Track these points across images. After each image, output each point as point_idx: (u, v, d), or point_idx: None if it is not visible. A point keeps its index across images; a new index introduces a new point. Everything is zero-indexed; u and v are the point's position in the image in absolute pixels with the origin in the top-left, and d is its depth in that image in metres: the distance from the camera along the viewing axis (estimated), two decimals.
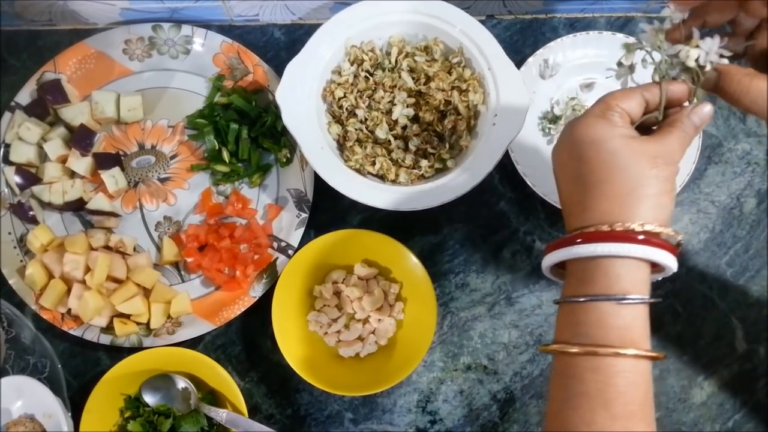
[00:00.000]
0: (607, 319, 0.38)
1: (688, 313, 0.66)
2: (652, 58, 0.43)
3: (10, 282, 0.64)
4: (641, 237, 0.38)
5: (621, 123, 0.41)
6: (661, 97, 0.42)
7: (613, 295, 0.38)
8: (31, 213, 0.66)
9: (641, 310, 0.38)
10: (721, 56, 0.41)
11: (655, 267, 0.40)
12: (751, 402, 0.64)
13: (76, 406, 0.61)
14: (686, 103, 0.43)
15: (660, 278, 0.42)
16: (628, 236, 0.38)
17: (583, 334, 0.38)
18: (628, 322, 0.38)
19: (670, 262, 0.39)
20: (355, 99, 0.65)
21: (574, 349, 0.38)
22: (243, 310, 0.64)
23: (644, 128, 0.43)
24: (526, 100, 0.63)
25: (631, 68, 0.44)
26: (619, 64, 0.44)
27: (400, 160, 0.64)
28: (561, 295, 0.42)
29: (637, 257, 0.38)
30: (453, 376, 0.65)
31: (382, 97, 0.65)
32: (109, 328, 0.63)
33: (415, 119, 0.65)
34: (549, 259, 0.41)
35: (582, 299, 0.39)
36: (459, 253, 0.68)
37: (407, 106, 0.65)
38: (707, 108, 0.42)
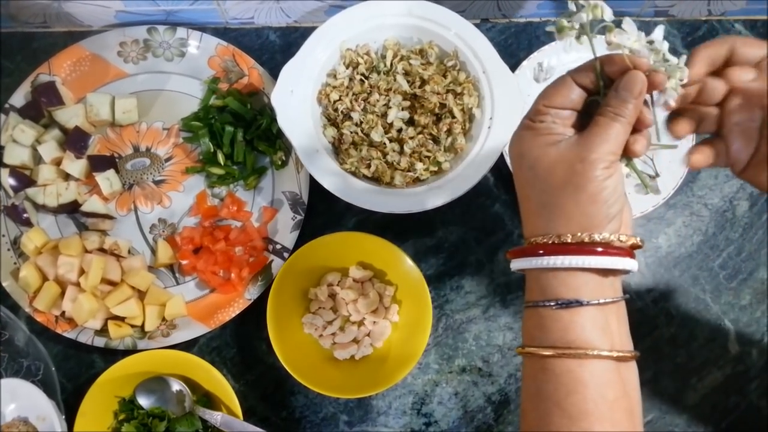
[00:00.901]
0: (546, 323, 0.38)
1: (682, 315, 0.67)
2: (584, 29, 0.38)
3: (4, 284, 0.64)
4: (600, 249, 0.37)
5: (549, 129, 0.39)
6: (596, 67, 0.38)
7: (547, 300, 0.38)
8: (25, 215, 0.66)
9: (585, 312, 0.38)
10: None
11: (611, 271, 0.39)
12: (744, 404, 0.65)
13: (70, 409, 0.61)
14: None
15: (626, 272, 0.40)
16: (548, 249, 0.38)
17: (533, 337, 0.39)
18: (565, 323, 0.38)
19: (597, 263, 0.37)
20: (351, 102, 0.65)
21: (529, 350, 0.39)
22: (238, 312, 0.64)
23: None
24: (521, 104, 0.63)
25: (581, 29, 0.38)
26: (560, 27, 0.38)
27: (395, 163, 0.65)
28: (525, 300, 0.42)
29: (559, 267, 0.38)
30: (448, 378, 0.65)
31: (378, 100, 0.65)
32: (103, 331, 0.63)
33: (410, 122, 0.66)
34: (516, 265, 0.41)
35: (530, 304, 0.40)
36: (454, 256, 0.68)
37: (402, 109, 0.65)
38: (637, 79, 0.37)
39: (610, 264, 0.38)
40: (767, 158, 0.41)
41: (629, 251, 0.39)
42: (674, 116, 0.43)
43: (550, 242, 0.38)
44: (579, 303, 0.38)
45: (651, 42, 0.38)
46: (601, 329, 0.38)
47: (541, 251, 0.38)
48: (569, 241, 0.38)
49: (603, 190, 0.37)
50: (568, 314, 0.38)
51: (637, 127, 0.39)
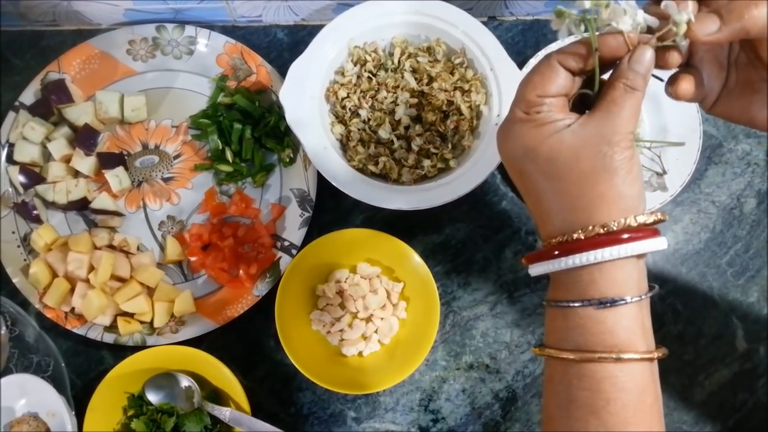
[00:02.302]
0: (587, 324, 0.36)
1: (689, 312, 0.67)
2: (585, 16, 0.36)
3: (14, 281, 0.64)
4: (610, 238, 0.35)
5: (550, 117, 0.36)
6: (594, 58, 0.36)
7: (589, 300, 0.35)
8: (35, 212, 0.66)
9: (628, 310, 0.35)
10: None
11: (642, 255, 0.37)
12: (751, 401, 0.65)
13: (79, 405, 0.61)
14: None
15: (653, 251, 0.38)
16: (595, 242, 0.35)
17: (567, 340, 0.36)
18: (610, 326, 0.35)
19: (647, 247, 0.35)
20: (358, 99, 0.65)
21: (560, 355, 0.36)
22: (246, 309, 0.64)
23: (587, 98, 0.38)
24: None
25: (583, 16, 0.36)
26: (559, 13, 0.37)
27: (402, 160, 0.65)
28: (546, 295, 0.40)
29: (609, 259, 0.35)
30: (455, 374, 0.65)
31: (385, 98, 0.65)
32: (112, 327, 0.64)
33: (417, 119, 0.66)
34: (531, 271, 0.39)
35: (563, 305, 0.37)
36: (461, 253, 0.68)
37: (410, 107, 0.65)
38: (647, 52, 0.36)
39: (654, 246, 0.35)
40: (737, 87, 0.39)
41: (657, 230, 0.36)
42: (672, 79, 0.39)
43: (593, 235, 0.35)
44: (623, 301, 0.35)
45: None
46: (640, 328, 0.36)
47: (584, 246, 0.35)
48: (615, 228, 0.34)
49: (633, 167, 0.35)
50: (612, 315, 0.35)
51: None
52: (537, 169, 0.37)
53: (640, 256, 0.36)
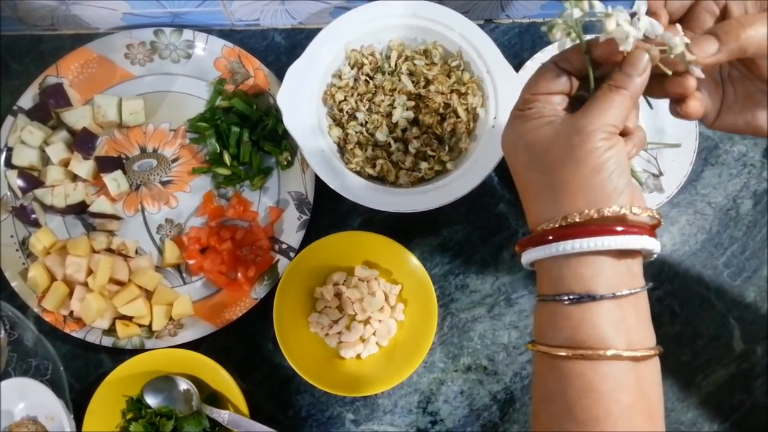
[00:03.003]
0: (555, 320, 0.35)
1: (686, 313, 0.67)
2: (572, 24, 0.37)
3: (13, 285, 0.64)
4: (571, 230, 0.34)
5: (538, 113, 0.37)
6: (586, 60, 0.37)
7: (558, 295, 0.35)
8: (33, 216, 0.66)
9: (598, 308, 0.34)
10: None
11: (629, 253, 0.36)
12: (749, 401, 0.65)
13: (78, 408, 0.62)
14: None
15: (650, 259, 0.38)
16: (558, 234, 0.35)
17: (543, 334, 0.37)
18: (575, 322, 0.34)
19: (648, 244, 0.35)
20: (356, 102, 0.66)
21: (537, 348, 0.37)
22: (244, 311, 0.64)
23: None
24: None
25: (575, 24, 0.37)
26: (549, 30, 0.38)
27: (400, 163, 0.65)
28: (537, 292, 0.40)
29: (569, 252, 0.34)
30: (453, 376, 0.65)
31: (382, 100, 0.66)
32: (111, 330, 0.64)
33: (414, 122, 0.66)
34: (527, 258, 0.39)
35: (539, 298, 0.37)
36: (459, 255, 0.68)
37: (407, 109, 0.65)
38: (641, 56, 0.36)
39: (625, 244, 0.34)
40: (738, 101, 0.40)
41: (648, 229, 0.36)
42: (678, 100, 0.39)
43: (557, 226, 0.35)
44: (591, 298, 0.34)
45: (633, 15, 0.36)
46: (615, 325, 0.34)
47: (549, 237, 0.35)
48: (577, 220, 0.34)
49: (606, 161, 0.35)
50: (579, 310, 0.34)
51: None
52: (519, 161, 0.38)
53: (619, 253, 0.35)
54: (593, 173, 0.35)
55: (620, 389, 0.34)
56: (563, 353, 0.35)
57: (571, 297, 0.35)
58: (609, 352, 0.34)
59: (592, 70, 0.38)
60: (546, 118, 0.37)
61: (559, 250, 0.35)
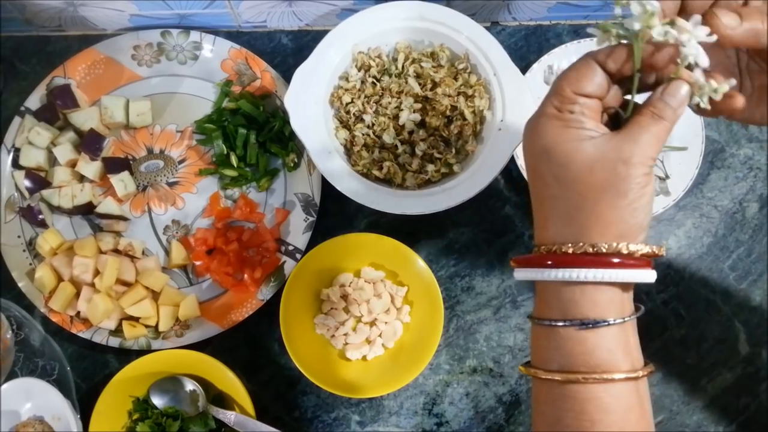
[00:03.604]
0: (568, 345, 0.35)
1: (692, 316, 0.67)
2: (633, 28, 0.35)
3: (20, 285, 0.65)
4: (596, 259, 0.34)
5: (579, 122, 0.35)
6: (635, 79, 0.35)
7: (571, 321, 0.35)
8: (40, 217, 0.66)
9: (609, 332, 0.35)
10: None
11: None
12: (754, 405, 0.65)
13: (85, 408, 0.62)
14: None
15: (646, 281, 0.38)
16: (581, 260, 0.34)
17: (550, 360, 0.36)
18: (590, 347, 0.35)
19: (638, 277, 0.35)
20: (363, 104, 0.66)
21: (543, 375, 0.36)
22: (251, 313, 0.64)
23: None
24: (532, 106, 0.63)
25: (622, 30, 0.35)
26: (605, 28, 0.36)
27: (407, 165, 0.65)
28: (532, 312, 0.39)
29: (592, 281, 0.34)
30: (459, 378, 0.65)
31: (389, 103, 0.66)
32: (117, 331, 0.64)
33: (421, 124, 0.66)
34: (520, 275, 0.38)
35: (545, 323, 0.36)
36: (464, 257, 0.68)
37: (414, 112, 0.66)
38: (683, 87, 0.35)
39: (641, 278, 0.35)
40: (755, 93, 0.39)
41: (650, 261, 0.36)
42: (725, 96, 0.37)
43: (580, 252, 0.34)
44: (605, 323, 0.34)
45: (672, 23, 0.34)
46: (623, 349, 0.35)
47: (570, 262, 0.34)
48: (605, 251, 0.34)
49: (643, 197, 0.34)
50: (593, 336, 0.35)
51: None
52: (549, 171, 0.36)
53: (627, 284, 0.36)
54: (630, 208, 0.34)
55: (629, 409, 0.35)
56: (581, 378, 0.34)
57: (586, 322, 0.35)
58: (621, 375, 0.34)
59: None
60: (587, 131, 0.35)
61: (579, 277, 0.34)
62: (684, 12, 0.36)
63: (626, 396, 0.35)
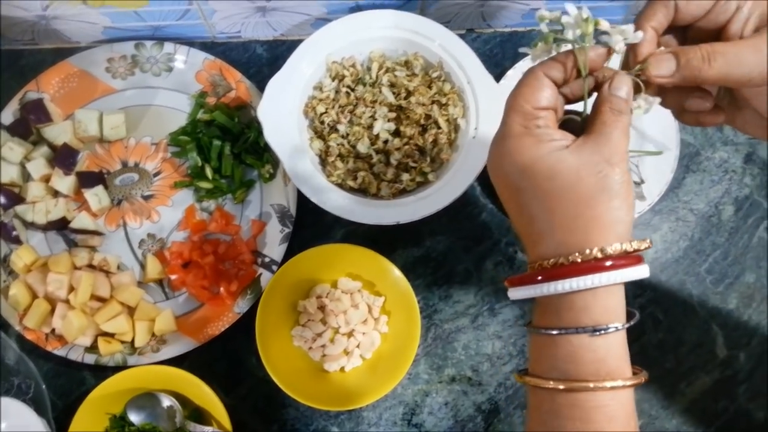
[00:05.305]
0: (579, 353, 0.35)
1: (669, 320, 0.67)
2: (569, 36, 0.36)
3: None
4: (608, 263, 0.34)
5: (548, 133, 0.35)
6: (585, 84, 0.36)
7: (583, 328, 0.34)
8: (14, 233, 0.66)
9: (617, 337, 0.35)
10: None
11: None
12: (732, 408, 0.65)
13: (61, 427, 0.61)
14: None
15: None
16: (593, 266, 0.34)
17: (556, 368, 0.35)
18: (602, 354, 0.35)
19: (640, 274, 0.35)
20: (337, 114, 0.66)
21: (549, 384, 0.35)
22: (227, 326, 0.64)
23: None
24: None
25: (554, 42, 0.37)
26: (535, 45, 0.38)
27: (381, 174, 0.65)
28: (530, 321, 0.38)
29: (606, 285, 0.34)
30: (438, 388, 0.65)
31: (363, 112, 0.66)
32: (93, 348, 0.63)
33: (396, 133, 0.66)
34: (514, 295, 0.38)
35: (553, 332, 0.35)
36: (442, 265, 0.68)
37: (388, 121, 0.65)
38: (625, 77, 0.36)
39: (643, 273, 0.35)
40: (733, 100, 0.40)
41: (642, 257, 0.36)
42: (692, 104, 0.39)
43: (591, 258, 0.34)
44: (615, 328, 0.34)
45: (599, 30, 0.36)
46: (626, 354, 0.35)
47: (581, 270, 0.34)
48: (614, 253, 0.34)
49: (630, 193, 0.35)
50: (605, 342, 0.34)
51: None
52: (534, 187, 0.35)
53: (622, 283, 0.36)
54: (625, 205, 0.34)
55: (631, 415, 0.35)
56: (591, 386, 0.34)
57: (599, 329, 0.34)
58: (629, 382, 0.35)
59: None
60: (559, 141, 0.35)
61: (594, 283, 0.34)
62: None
63: (629, 403, 0.35)
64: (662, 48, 0.37)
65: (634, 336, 0.65)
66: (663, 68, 0.36)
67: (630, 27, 0.36)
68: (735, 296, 0.67)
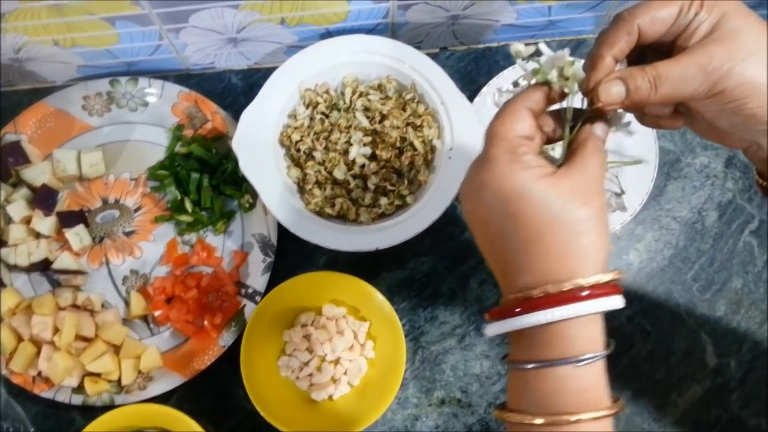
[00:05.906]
0: (565, 384, 0.35)
1: (658, 331, 0.66)
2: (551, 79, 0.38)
3: None
4: (586, 293, 0.34)
5: (534, 160, 0.36)
6: (566, 129, 0.38)
7: (569, 359, 0.34)
8: None
9: (599, 365, 0.35)
10: None
11: None
12: (725, 416, 0.64)
13: None
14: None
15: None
16: (573, 296, 0.34)
17: (539, 402, 0.35)
18: (588, 383, 0.35)
19: (617, 303, 0.35)
20: (312, 141, 0.66)
21: (536, 420, 0.35)
22: (213, 360, 0.64)
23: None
24: (480, 132, 0.63)
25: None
26: (516, 84, 0.41)
27: (360, 200, 0.65)
28: (508, 356, 0.38)
29: (587, 314, 0.34)
30: (428, 411, 0.65)
31: (339, 138, 0.66)
32: (80, 388, 0.63)
33: (372, 157, 0.66)
34: (492, 330, 0.37)
35: (539, 365, 0.35)
36: (426, 286, 0.68)
37: (364, 145, 0.65)
38: (602, 125, 0.38)
39: (620, 303, 0.35)
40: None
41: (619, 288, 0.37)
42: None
43: (577, 287, 0.34)
44: (600, 356, 0.34)
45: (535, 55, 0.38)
46: (606, 382, 0.35)
47: (570, 299, 0.34)
48: (593, 283, 0.34)
49: (607, 223, 0.36)
50: (591, 370, 0.34)
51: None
52: (525, 214, 0.35)
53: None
54: (603, 236, 0.35)
55: None
56: (575, 418, 0.34)
57: (585, 358, 0.34)
58: (613, 410, 0.34)
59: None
60: (545, 168, 0.35)
61: (587, 310, 0.34)
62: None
63: (610, 429, 0.35)
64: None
65: (623, 349, 0.66)
66: (612, 96, 0.36)
67: (579, 68, 0.37)
68: (723, 303, 0.67)
